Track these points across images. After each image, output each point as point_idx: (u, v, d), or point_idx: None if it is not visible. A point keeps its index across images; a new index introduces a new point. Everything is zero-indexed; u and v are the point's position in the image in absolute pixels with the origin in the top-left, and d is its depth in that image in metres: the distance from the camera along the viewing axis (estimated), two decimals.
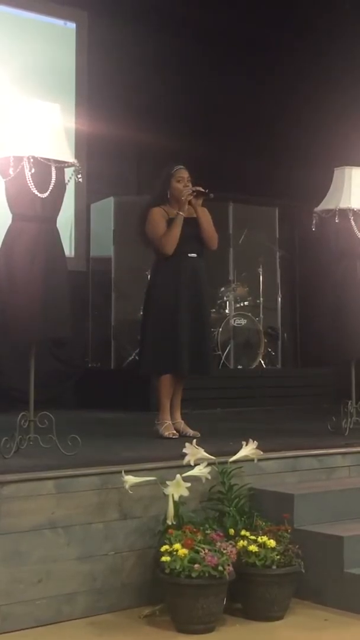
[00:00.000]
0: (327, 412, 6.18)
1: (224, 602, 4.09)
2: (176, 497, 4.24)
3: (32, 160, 4.59)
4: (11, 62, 8.89)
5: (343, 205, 5.90)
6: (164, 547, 4.08)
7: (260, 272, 10.01)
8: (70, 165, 4.76)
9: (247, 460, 4.64)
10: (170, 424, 5.70)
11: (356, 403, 5.89)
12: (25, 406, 4.73)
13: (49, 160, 4.64)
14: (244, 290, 9.84)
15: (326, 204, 6.03)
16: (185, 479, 4.27)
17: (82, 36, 9.79)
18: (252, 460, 4.65)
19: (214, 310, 9.28)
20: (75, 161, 4.79)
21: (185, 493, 4.25)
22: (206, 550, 4.03)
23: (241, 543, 4.22)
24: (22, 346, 5.08)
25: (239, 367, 9.51)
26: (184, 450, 4.45)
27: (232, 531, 4.33)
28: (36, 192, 4.59)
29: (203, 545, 4.06)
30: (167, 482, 4.27)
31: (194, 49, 10.02)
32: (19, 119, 4.75)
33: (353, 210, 5.88)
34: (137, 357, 8.18)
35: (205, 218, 5.81)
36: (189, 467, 4.41)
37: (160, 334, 5.69)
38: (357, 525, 4.57)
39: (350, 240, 5.90)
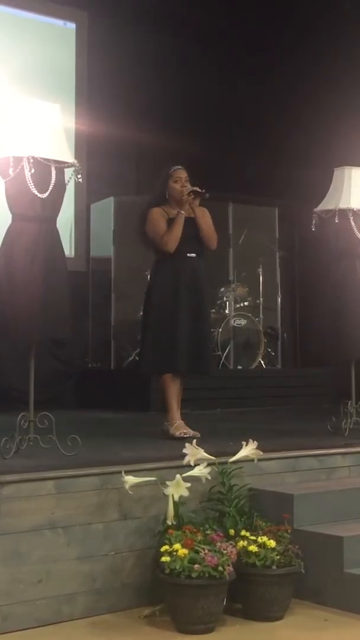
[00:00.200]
0: (327, 412, 6.18)
1: (224, 603, 4.09)
2: (176, 498, 4.24)
3: (32, 160, 4.58)
4: (11, 62, 8.89)
5: (343, 205, 5.90)
6: (164, 548, 4.08)
7: (260, 272, 10.01)
8: (70, 165, 4.76)
9: (247, 460, 4.63)
10: (181, 422, 5.67)
11: (356, 403, 5.89)
12: (25, 406, 4.73)
13: (48, 160, 4.64)
14: (243, 290, 9.84)
15: (326, 204, 6.03)
16: (185, 479, 4.27)
17: (82, 36, 9.79)
18: (252, 460, 4.65)
19: (213, 310, 9.28)
20: (75, 161, 4.79)
21: (185, 493, 4.25)
22: (206, 551, 4.03)
23: (241, 543, 4.22)
24: (22, 346, 5.07)
25: (239, 367, 9.51)
26: (184, 451, 4.45)
27: (232, 531, 4.33)
28: (36, 193, 4.59)
29: (203, 546, 4.06)
30: (167, 483, 4.27)
31: (194, 49, 10.02)
32: (19, 119, 4.74)
33: (353, 210, 5.88)
34: (137, 357, 8.19)
35: (204, 218, 5.81)
36: (189, 467, 4.41)
37: (160, 334, 5.69)
38: (357, 525, 4.57)
39: (350, 240, 5.90)
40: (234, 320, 9.55)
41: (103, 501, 4.27)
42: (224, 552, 4.06)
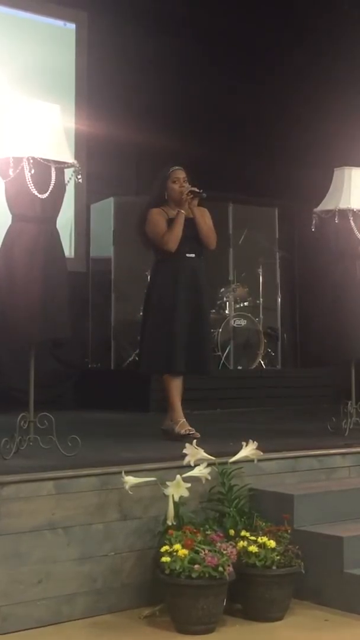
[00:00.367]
0: (327, 412, 6.18)
1: (224, 603, 4.09)
2: (176, 498, 4.24)
3: (31, 161, 4.58)
4: (11, 63, 8.89)
5: (343, 205, 5.90)
6: (164, 548, 4.08)
7: (260, 273, 10.01)
8: (70, 165, 4.76)
9: (247, 460, 4.63)
10: (184, 421, 5.65)
11: (356, 403, 5.88)
12: (25, 407, 4.73)
13: (48, 161, 4.64)
14: (243, 290, 9.85)
15: (326, 205, 6.03)
16: (185, 480, 4.27)
17: (82, 37, 9.79)
18: (252, 460, 4.65)
19: (214, 310, 9.28)
20: (75, 162, 4.79)
21: (185, 494, 4.25)
22: (206, 551, 4.03)
23: (241, 543, 4.23)
24: (22, 347, 5.07)
25: (239, 367, 9.52)
26: (184, 451, 4.45)
27: (232, 532, 4.33)
28: (36, 193, 4.59)
29: (203, 546, 4.07)
30: (167, 483, 4.27)
31: (194, 49, 10.02)
32: (19, 120, 4.74)
33: (353, 210, 5.88)
34: (137, 357, 8.19)
35: (204, 218, 5.81)
36: (189, 467, 4.41)
37: (159, 334, 5.69)
38: (357, 525, 4.57)
39: (350, 240, 5.90)
40: (234, 321, 9.55)
41: (103, 501, 4.27)
42: (224, 552, 4.06)
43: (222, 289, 9.73)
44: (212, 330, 8.56)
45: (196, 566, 3.97)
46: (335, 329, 5.94)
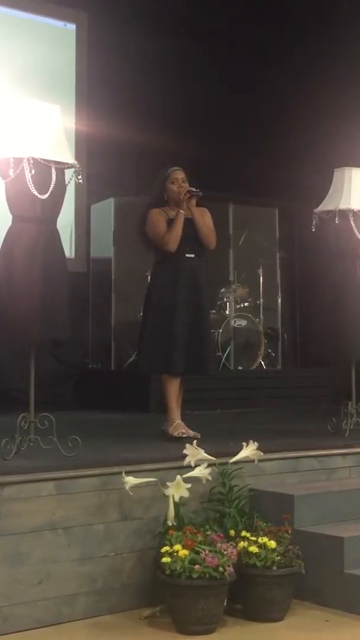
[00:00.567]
0: (327, 412, 6.18)
1: (225, 603, 4.09)
2: (176, 498, 4.24)
3: (32, 161, 4.58)
4: (11, 63, 8.89)
5: (343, 206, 5.90)
6: (165, 548, 4.08)
7: (260, 273, 10.01)
8: (70, 166, 4.76)
9: (247, 461, 4.64)
10: (180, 423, 5.66)
11: (356, 404, 5.88)
12: (25, 407, 4.72)
13: (49, 161, 4.64)
14: (244, 291, 9.84)
15: (326, 205, 6.03)
16: (185, 480, 4.27)
17: (82, 37, 9.80)
18: (253, 461, 4.65)
19: (214, 311, 9.28)
20: (76, 162, 4.79)
21: (186, 494, 4.25)
22: (206, 551, 4.03)
23: (241, 544, 4.23)
24: (22, 347, 5.07)
25: (239, 368, 9.52)
26: (185, 451, 4.45)
27: (232, 532, 4.33)
28: (36, 194, 4.59)
29: (203, 546, 4.07)
30: (168, 483, 4.27)
31: (194, 49, 10.02)
32: (19, 120, 4.74)
33: (353, 211, 5.88)
34: (136, 357, 8.19)
35: (203, 218, 5.81)
36: (190, 468, 4.41)
37: (158, 334, 5.69)
38: (358, 526, 4.57)
39: (350, 241, 5.90)
40: (234, 321, 9.55)
41: (103, 502, 4.27)
42: (225, 552, 4.06)
43: (223, 290, 9.73)
44: (212, 330, 8.56)
45: (196, 567, 3.97)
46: (335, 329, 5.94)
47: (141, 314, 6.75)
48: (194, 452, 4.43)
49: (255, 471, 4.79)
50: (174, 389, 5.73)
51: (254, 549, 4.20)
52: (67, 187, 4.80)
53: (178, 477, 4.27)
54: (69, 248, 9.27)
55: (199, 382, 7.22)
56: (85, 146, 9.23)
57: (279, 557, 4.19)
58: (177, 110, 9.90)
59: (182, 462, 4.44)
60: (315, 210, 6.04)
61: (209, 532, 4.20)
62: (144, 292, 6.13)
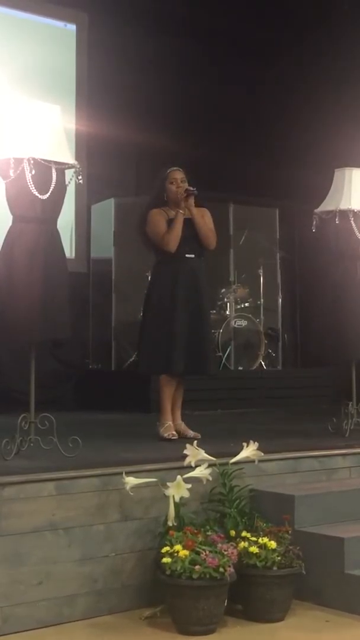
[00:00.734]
0: (327, 413, 6.18)
1: (225, 604, 4.09)
2: (177, 499, 4.24)
3: (32, 161, 4.58)
4: (11, 63, 8.89)
5: (343, 206, 5.90)
6: (165, 549, 4.08)
7: (261, 273, 10.01)
8: (70, 166, 4.75)
9: (247, 461, 4.64)
10: (170, 424, 5.70)
11: (357, 404, 5.88)
12: (25, 407, 4.72)
13: (49, 161, 4.64)
14: (244, 291, 9.85)
15: (326, 205, 6.02)
16: (186, 480, 4.27)
17: (82, 38, 9.80)
18: (253, 461, 4.65)
19: (214, 311, 9.28)
20: (76, 162, 4.78)
21: (186, 494, 4.25)
22: (207, 552, 4.03)
23: (242, 544, 4.22)
24: (22, 347, 5.07)
25: (240, 368, 9.52)
26: (185, 452, 4.45)
27: (232, 532, 4.33)
28: (37, 194, 4.59)
29: (204, 547, 4.06)
30: (168, 484, 4.27)
31: (194, 49, 10.02)
32: (20, 120, 4.74)
33: (353, 211, 5.88)
34: (136, 357, 8.19)
35: (203, 218, 5.81)
36: (190, 468, 4.41)
37: (158, 335, 5.70)
38: (358, 526, 4.56)
39: (350, 241, 5.90)
40: (235, 321, 9.55)
41: (104, 502, 4.27)
42: (225, 553, 4.06)
43: (223, 290, 9.73)
44: (212, 330, 8.56)
45: (197, 567, 3.97)
46: (335, 329, 5.94)
47: (141, 314, 6.76)
48: (194, 453, 4.43)
49: (256, 471, 4.78)
50: (170, 390, 5.74)
51: (254, 549, 4.20)
52: (68, 188, 4.80)
53: (178, 477, 4.27)
54: (69, 248, 9.27)
55: (199, 382, 7.21)
56: (85, 146, 9.23)
57: (279, 558, 4.19)
58: (177, 110, 9.89)
59: (183, 462, 4.44)
60: (315, 210, 6.04)
61: (209, 533, 4.20)
62: (144, 292, 6.13)
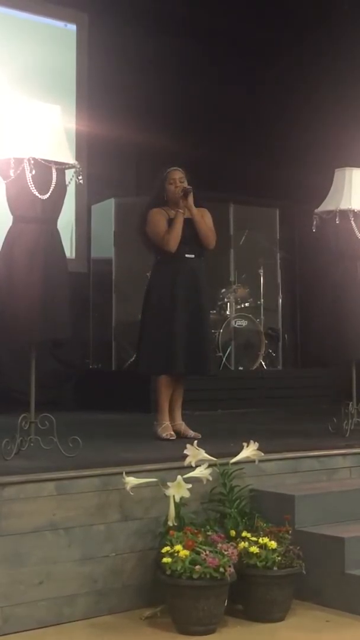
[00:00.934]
0: (327, 413, 6.17)
1: (225, 604, 4.09)
2: (177, 499, 4.24)
3: (32, 161, 4.58)
4: (12, 63, 8.89)
5: (344, 206, 5.89)
6: (165, 549, 4.08)
7: (261, 274, 10.02)
8: (71, 166, 4.75)
9: (248, 461, 4.63)
10: (168, 424, 5.70)
11: (357, 404, 5.88)
12: (25, 407, 4.72)
13: (49, 161, 4.64)
14: (244, 291, 9.85)
15: (326, 205, 6.02)
16: (186, 480, 4.27)
17: (82, 38, 9.80)
18: (253, 461, 4.65)
19: (214, 311, 9.29)
20: (76, 162, 4.78)
21: (186, 494, 4.25)
22: (207, 552, 4.03)
23: (242, 544, 4.22)
24: (22, 347, 5.07)
25: (240, 368, 9.52)
26: (185, 452, 4.45)
27: (233, 532, 4.33)
28: (37, 194, 4.59)
29: (204, 547, 4.06)
30: (168, 484, 4.27)
31: (194, 49, 10.02)
32: (20, 121, 4.74)
33: (353, 211, 5.88)
34: (136, 358, 8.19)
35: (203, 219, 5.81)
36: (190, 468, 4.41)
37: (158, 335, 5.70)
38: (358, 526, 4.56)
39: (350, 241, 5.89)
40: (235, 322, 9.55)
41: (104, 502, 4.27)
42: (225, 553, 4.06)
43: (223, 290, 9.73)
44: (212, 330, 8.56)
45: (197, 567, 3.97)
46: (335, 329, 5.94)
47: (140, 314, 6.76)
48: (194, 453, 4.43)
49: (256, 471, 4.78)
50: (167, 391, 5.75)
51: (254, 549, 4.19)
52: (68, 188, 4.80)
53: (179, 477, 4.27)
54: (69, 248, 9.27)
55: (199, 382, 7.22)
56: (85, 146, 9.23)
57: (279, 558, 4.19)
58: (177, 110, 9.90)
59: (183, 462, 4.44)
60: (315, 210, 6.04)
61: (209, 533, 4.20)
62: (144, 292, 6.12)
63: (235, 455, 4.60)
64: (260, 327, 9.71)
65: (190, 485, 4.26)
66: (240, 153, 9.99)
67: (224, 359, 9.33)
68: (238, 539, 4.27)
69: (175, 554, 4.01)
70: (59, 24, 9.69)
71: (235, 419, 7.44)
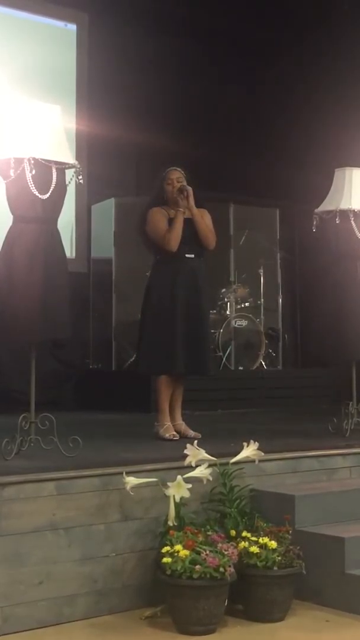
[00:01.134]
0: (327, 413, 6.17)
1: (225, 604, 4.09)
2: (177, 499, 4.24)
3: (32, 161, 4.58)
4: (11, 63, 8.89)
5: (344, 206, 5.89)
6: (165, 549, 4.08)
7: (261, 273, 10.02)
8: (71, 166, 4.75)
9: (248, 461, 4.64)
10: (170, 425, 5.70)
11: (357, 404, 5.88)
12: (25, 407, 4.72)
13: (49, 161, 4.64)
14: (244, 291, 9.85)
15: (327, 205, 6.02)
16: (186, 480, 4.27)
17: (82, 37, 9.80)
18: (253, 461, 4.65)
19: (214, 311, 9.29)
20: (76, 162, 4.78)
21: (187, 494, 4.25)
22: (207, 552, 4.03)
23: (242, 544, 4.22)
24: (22, 347, 5.07)
25: (240, 368, 9.52)
26: (185, 452, 4.45)
27: (233, 532, 4.33)
28: (37, 194, 4.59)
29: (204, 547, 4.06)
30: (168, 484, 4.27)
31: (194, 49, 10.02)
32: (20, 120, 4.74)
33: (354, 211, 5.88)
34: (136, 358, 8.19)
35: (203, 219, 5.81)
36: (190, 468, 4.41)
37: (157, 335, 5.70)
38: (358, 526, 4.56)
39: (351, 241, 5.89)
40: (235, 321, 9.55)
41: (104, 502, 4.27)
42: (225, 553, 4.06)
43: (223, 290, 9.73)
44: (212, 330, 8.56)
45: (197, 567, 3.97)
46: (335, 329, 5.94)
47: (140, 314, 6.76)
48: (194, 453, 4.43)
49: (256, 471, 4.78)
50: (167, 391, 5.75)
51: (254, 549, 4.20)
52: (68, 187, 4.80)
53: (179, 477, 4.27)
54: (69, 248, 9.27)
55: (199, 382, 7.22)
56: (85, 146, 9.23)
57: (279, 558, 4.19)
58: (177, 110, 9.89)
59: (183, 462, 4.44)
60: (315, 210, 6.04)
61: (209, 533, 4.20)
62: (143, 292, 6.12)
63: (235, 455, 4.60)
64: (261, 327, 9.70)
65: (190, 485, 4.26)
66: (240, 153, 9.99)
67: (224, 359, 9.33)
68: (238, 539, 4.27)
69: (176, 554, 4.02)
70: (59, 23, 9.69)
71: (235, 419, 7.44)
